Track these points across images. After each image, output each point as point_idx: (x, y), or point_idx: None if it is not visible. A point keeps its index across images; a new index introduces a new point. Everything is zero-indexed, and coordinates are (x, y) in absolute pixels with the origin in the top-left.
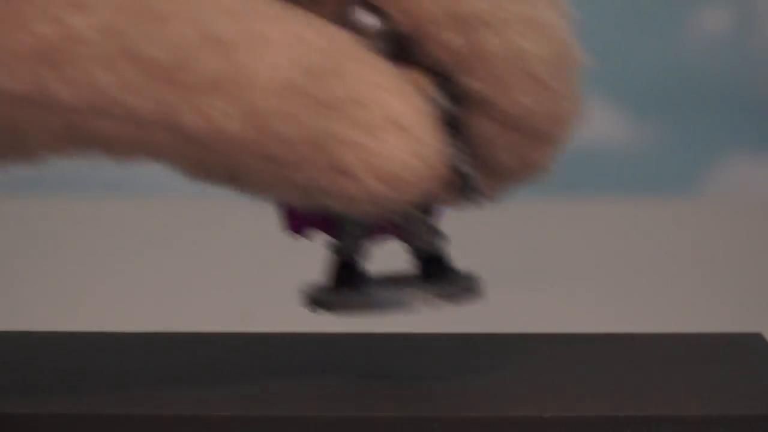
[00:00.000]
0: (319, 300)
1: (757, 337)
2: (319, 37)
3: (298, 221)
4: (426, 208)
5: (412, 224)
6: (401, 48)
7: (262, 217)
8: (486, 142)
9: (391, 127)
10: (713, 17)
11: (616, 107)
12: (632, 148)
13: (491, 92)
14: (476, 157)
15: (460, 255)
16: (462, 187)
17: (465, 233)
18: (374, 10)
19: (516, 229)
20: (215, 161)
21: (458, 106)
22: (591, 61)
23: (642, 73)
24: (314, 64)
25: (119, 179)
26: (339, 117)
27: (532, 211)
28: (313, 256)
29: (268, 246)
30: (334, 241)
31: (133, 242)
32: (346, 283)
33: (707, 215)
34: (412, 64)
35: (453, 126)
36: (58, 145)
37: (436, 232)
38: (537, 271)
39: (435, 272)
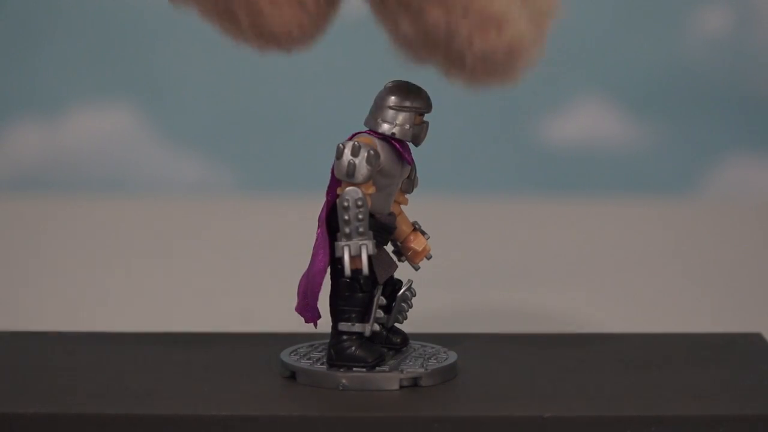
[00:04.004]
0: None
1: (757, 337)
2: None
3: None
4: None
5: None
6: None
7: (263, 217)
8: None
9: None
10: (713, 17)
11: (615, 107)
12: (632, 148)
13: None
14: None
15: (459, 255)
16: None
17: (464, 233)
18: None
19: (516, 229)
20: None
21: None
22: (590, 61)
23: (641, 72)
24: None
25: (119, 179)
26: None
27: (532, 211)
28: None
29: (269, 246)
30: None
31: (133, 242)
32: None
33: (707, 215)
34: None
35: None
36: None
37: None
38: (537, 271)
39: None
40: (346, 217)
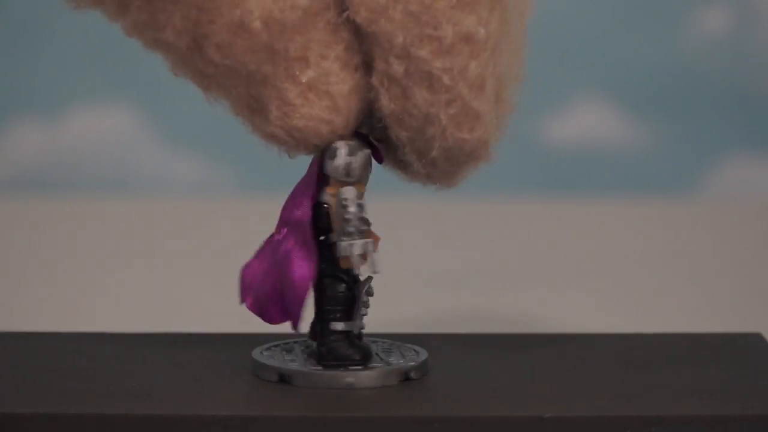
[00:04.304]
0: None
1: (757, 337)
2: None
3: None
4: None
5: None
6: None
7: (263, 217)
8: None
9: (320, 91)
10: (713, 17)
11: (615, 107)
12: (632, 148)
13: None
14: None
15: (460, 255)
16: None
17: (465, 233)
18: None
19: (516, 229)
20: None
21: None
22: (590, 61)
23: (642, 72)
24: (283, 17)
25: (119, 179)
26: (282, 65)
27: (532, 211)
28: None
29: None
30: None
31: (133, 242)
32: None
33: (707, 215)
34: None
35: None
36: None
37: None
38: (537, 271)
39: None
40: (348, 217)
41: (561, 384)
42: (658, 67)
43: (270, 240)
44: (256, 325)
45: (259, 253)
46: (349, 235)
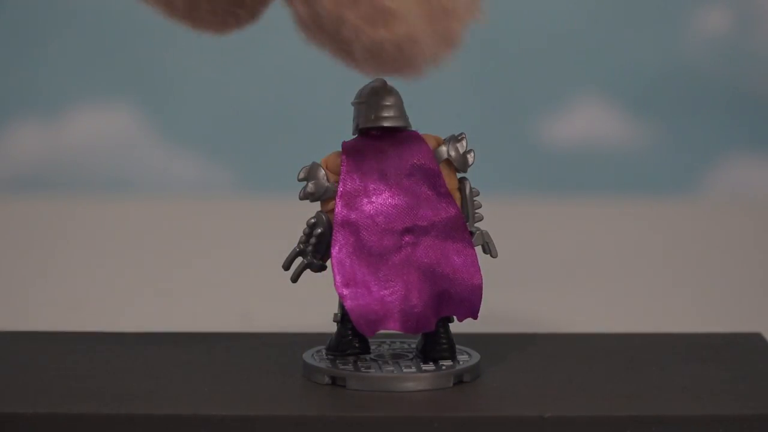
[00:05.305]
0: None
1: (757, 337)
2: None
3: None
4: None
5: None
6: None
7: (263, 217)
8: None
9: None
10: (713, 17)
11: (615, 107)
12: (632, 148)
13: None
14: None
15: None
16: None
17: None
18: None
19: (516, 229)
20: None
21: None
22: (590, 61)
23: (642, 72)
24: None
25: (119, 179)
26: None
27: (532, 211)
28: None
29: (269, 246)
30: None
31: (133, 242)
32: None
33: (707, 215)
34: None
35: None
36: None
37: None
38: (536, 271)
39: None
40: (477, 206)
41: (561, 384)
42: (658, 68)
43: (380, 262)
44: (255, 324)
45: (379, 280)
46: (478, 223)
